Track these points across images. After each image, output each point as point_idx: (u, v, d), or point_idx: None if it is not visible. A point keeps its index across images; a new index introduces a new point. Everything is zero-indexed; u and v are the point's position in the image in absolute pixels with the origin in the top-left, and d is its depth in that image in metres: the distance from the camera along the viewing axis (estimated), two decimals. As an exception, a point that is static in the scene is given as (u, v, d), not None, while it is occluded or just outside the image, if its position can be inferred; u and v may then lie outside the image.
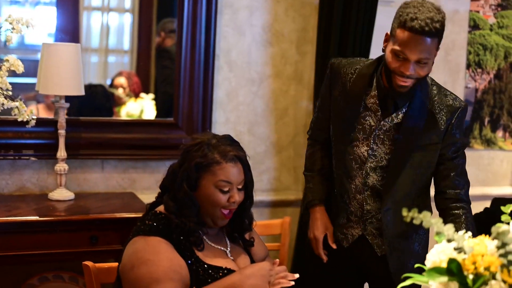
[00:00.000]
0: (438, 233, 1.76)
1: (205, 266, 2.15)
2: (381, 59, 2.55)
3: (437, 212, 2.61)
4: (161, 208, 2.24)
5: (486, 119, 4.17)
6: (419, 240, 2.68)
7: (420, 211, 1.70)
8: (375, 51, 3.62)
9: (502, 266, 1.69)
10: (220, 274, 2.18)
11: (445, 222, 1.73)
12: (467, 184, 2.63)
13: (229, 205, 2.21)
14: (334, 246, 2.69)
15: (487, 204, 3.54)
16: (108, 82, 4.05)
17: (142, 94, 3.96)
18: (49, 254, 2.96)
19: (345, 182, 2.63)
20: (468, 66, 4.10)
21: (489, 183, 4.23)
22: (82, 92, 3.20)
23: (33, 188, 3.36)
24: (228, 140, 2.26)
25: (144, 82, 4.09)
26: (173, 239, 2.14)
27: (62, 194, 3.21)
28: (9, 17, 3.00)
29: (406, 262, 2.61)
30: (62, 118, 3.20)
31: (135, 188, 3.52)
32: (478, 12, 4.09)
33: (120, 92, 3.95)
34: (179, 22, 3.54)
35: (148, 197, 3.36)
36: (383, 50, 2.49)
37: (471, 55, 4.10)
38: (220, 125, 3.64)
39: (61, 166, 3.21)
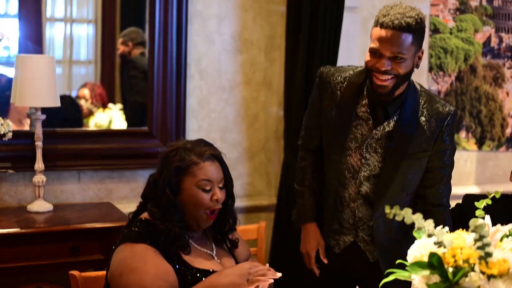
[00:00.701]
0: (418, 229, 1.86)
1: (193, 270, 2.20)
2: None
3: None
4: (145, 215, 2.29)
5: (449, 120, 4.31)
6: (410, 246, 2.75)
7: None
8: (342, 56, 3.73)
9: (480, 258, 1.78)
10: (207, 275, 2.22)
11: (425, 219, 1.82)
12: (449, 191, 2.67)
13: (213, 204, 2.25)
14: (325, 261, 2.73)
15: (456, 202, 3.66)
16: (74, 93, 4.07)
17: (110, 105, 4.00)
18: (30, 266, 2.99)
19: (339, 190, 2.65)
20: (430, 69, 4.24)
21: (455, 183, 4.32)
22: (58, 104, 3.24)
23: (11, 201, 3.38)
24: (203, 142, 2.33)
25: (109, 92, 4.12)
26: (159, 245, 2.18)
27: (41, 206, 3.23)
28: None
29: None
30: (39, 130, 3.23)
31: (112, 198, 3.56)
32: (438, 16, 4.24)
33: (83, 102, 3.99)
34: (150, 32, 3.60)
35: (125, 206, 3.42)
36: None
37: (433, 58, 4.24)
38: (193, 133, 3.70)
39: (39, 178, 3.24)
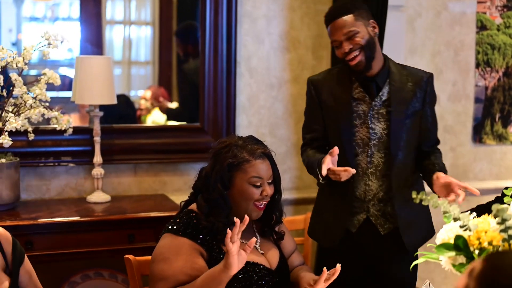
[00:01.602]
0: (445, 213, 1.97)
1: None
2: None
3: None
4: (193, 206, 2.43)
5: (497, 115, 4.35)
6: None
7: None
8: (388, 54, 3.81)
9: (503, 240, 1.88)
10: (248, 268, 2.34)
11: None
12: (436, 130, 3.04)
13: (262, 198, 2.38)
14: (324, 172, 2.72)
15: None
16: (132, 93, 4.28)
17: (167, 103, 4.21)
18: (90, 252, 3.19)
19: (352, 166, 2.79)
20: (477, 65, 4.29)
21: (502, 177, 4.39)
22: (114, 101, 3.44)
23: (71, 192, 3.60)
24: (253, 139, 2.46)
25: (167, 92, 4.33)
26: (200, 238, 2.32)
27: (99, 196, 3.44)
28: (46, 33, 3.25)
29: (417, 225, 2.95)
30: (97, 125, 3.44)
31: (166, 190, 3.74)
32: (485, 13, 4.28)
33: (143, 102, 4.20)
34: (201, 33, 3.77)
35: (178, 198, 3.56)
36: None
37: (480, 55, 4.28)
38: (243, 128, 3.85)
39: (98, 171, 3.45)
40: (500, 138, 4.36)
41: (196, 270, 2.27)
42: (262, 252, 2.47)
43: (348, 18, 2.81)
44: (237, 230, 2.15)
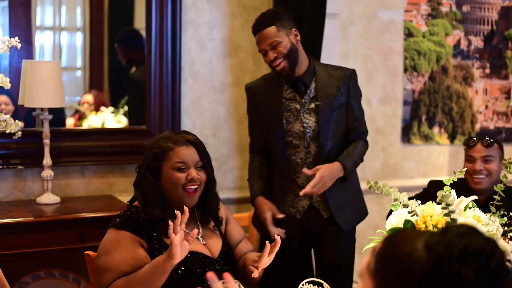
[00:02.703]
0: (395, 200, 2.17)
1: None
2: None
3: None
4: (137, 202, 2.56)
5: (423, 117, 4.64)
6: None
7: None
8: (324, 59, 4.03)
9: (447, 223, 2.10)
10: (189, 256, 2.42)
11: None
12: (365, 128, 3.34)
13: (188, 182, 2.48)
14: (281, 216, 3.16)
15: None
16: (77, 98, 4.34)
17: (102, 108, 4.28)
18: (43, 252, 3.25)
19: (291, 160, 3.20)
20: (405, 70, 4.57)
21: (429, 175, 4.66)
22: (64, 104, 3.51)
23: (20, 194, 3.64)
24: (183, 132, 2.62)
25: (100, 97, 4.40)
26: (141, 231, 2.44)
27: (49, 198, 3.50)
28: (-4, 38, 3.29)
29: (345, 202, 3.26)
30: (47, 128, 3.49)
31: (113, 191, 3.83)
32: (411, 21, 4.57)
33: (85, 107, 4.26)
34: (147, 39, 3.88)
35: (126, 199, 3.62)
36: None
37: (407, 60, 4.57)
38: (188, 130, 3.97)
39: (48, 173, 3.50)
40: (427, 138, 4.65)
41: (138, 260, 2.39)
42: (204, 242, 2.57)
43: (271, 29, 3.09)
44: (179, 222, 2.26)
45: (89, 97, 4.33)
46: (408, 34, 4.57)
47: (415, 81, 4.60)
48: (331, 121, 3.18)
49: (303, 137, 3.19)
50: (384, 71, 4.52)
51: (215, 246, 2.59)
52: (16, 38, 3.30)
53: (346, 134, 3.26)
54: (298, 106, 3.20)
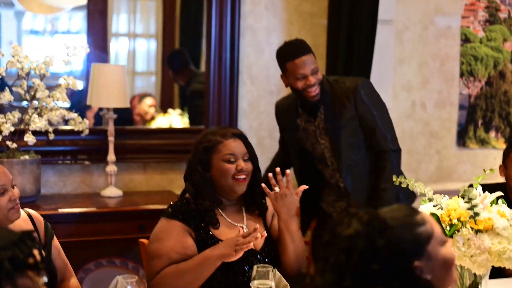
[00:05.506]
0: (421, 194, 2.28)
1: (219, 242, 2.56)
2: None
3: None
4: (188, 194, 2.71)
5: (480, 121, 4.68)
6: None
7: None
8: (376, 66, 4.14)
9: (470, 217, 2.20)
10: None
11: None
12: (387, 136, 3.33)
13: (238, 172, 2.61)
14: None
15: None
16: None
17: (170, 110, 4.53)
18: (104, 241, 3.51)
19: (323, 172, 3.42)
20: (462, 75, 4.62)
21: (484, 179, 4.70)
22: (127, 105, 3.76)
23: (86, 188, 3.92)
24: (227, 126, 2.77)
25: (169, 99, 4.65)
26: (190, 221, 2.59)
27: (112, 191, 3.76)
28: (65, 43, 3.56)
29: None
30: (111, 127, 3.75)
31: (172, 187, 4.06)
32: (468, 27, 4.62)
33: (149, 109, 4.53)
34: (207, 45, 4.10)
35: (184, 194, 3.91)
36: (287, 86, 3.33)
37: (464, 65, 4.62)
38: (245, 131, 3.99)
39: (111, 168, 3.76)
40: (483, 143, 4.69)
41: (185, 248, 2.54)
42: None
43: (311, 56, 3.24)
44: (252, 239, 2.42)
45: (149, 101, 4.58)
46: (465, 39, 4.62)
47: (472, 86, 4.64)
48: (341, 140, 3.30)
49: (324, 156, 3.37)
50: (440, 76, 4.58)
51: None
52: (85, 43, 3.56)
53: (370, 146, 3.34)
54: (314, 128, 3.36)
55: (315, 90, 3.23)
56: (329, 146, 3.34)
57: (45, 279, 1.34)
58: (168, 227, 2.60)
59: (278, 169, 2.70)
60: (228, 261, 2.45)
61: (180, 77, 4.64)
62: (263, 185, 2.66)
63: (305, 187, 2.71)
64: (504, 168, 3.39)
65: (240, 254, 2.43)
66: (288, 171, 2.72)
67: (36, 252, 1.35)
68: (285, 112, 3.47)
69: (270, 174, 2.70)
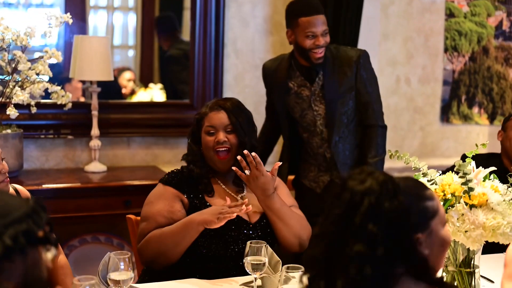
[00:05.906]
0: (415, 169, 2.27)
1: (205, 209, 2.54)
2: (289, 53, 3.35)
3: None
4: None
5: (463, 97, 4.69)
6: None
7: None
8: (362, 38, 4.12)
9: (464, 192, 2.19)
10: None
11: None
12: (379, 113, 3.34)
13: (216, 145, 2.58)
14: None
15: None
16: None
17: (151, 84, 4.46)
18: (89, 217, 3.46)
19: (308, 141, 3.37)
20: (446, 50, 4.62)
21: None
22: (111, 78, 3.69)
23: (69, 163, 3.86)
24: (224, 98, 2.74)
25: (149, 74, 4.58)
26: (184, 189, 2.59)
27: (96, 166, 3.71)
28: (47, 14, 3.48)
29: None
30: (95, 100, 3.69)
31: (157, 162, 4.02)
32: (453, 1, 4.61)
33: (128, 83, 4.46)
34: (192, 17, 4.03)
35: (169, 169, 3.84)
36: (290, 43, 3.25)
37: (448, 40, 4.61)
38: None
39: (95, 142, 3.70)
40: (466, 118, 4.70)
41: (172, 213, 2.55)
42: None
43: (324, 18, 3.19)
44: (237, 210, 2.42)
45: (128, 75, 4.51)
46: (450, 14, 4.61)
47: (456, 62, 4.64)
48: (337, 107, 3.26)
49: (315, 124, 3.32)
50: (425, 52, 4.57)
51: (254, 211, 2.61)
52: (68, 14, 3.48)
53: (360, 120, 3.33)
54: (308, 94, 3.30)
55: (321, 52, 3.18)
56: (322, 114, 3.29)
57: (54, 252, 1.31)
58: (160, 192, 2.62)
59: (246, 151, 2.54)
60: (210, 228, 2.44)
61: (164, 41, 4.56)
62: (234, 168, 2.58)
63: (279, 163, 2.62)
64: (502, 132, 3.41)
65: (223, 223, 2.42)
66: (247, 152, 2.54)
67: (47, 224, 1.31)
68: (275, 72, 3.37)
69: (239, 157, 2.54)
